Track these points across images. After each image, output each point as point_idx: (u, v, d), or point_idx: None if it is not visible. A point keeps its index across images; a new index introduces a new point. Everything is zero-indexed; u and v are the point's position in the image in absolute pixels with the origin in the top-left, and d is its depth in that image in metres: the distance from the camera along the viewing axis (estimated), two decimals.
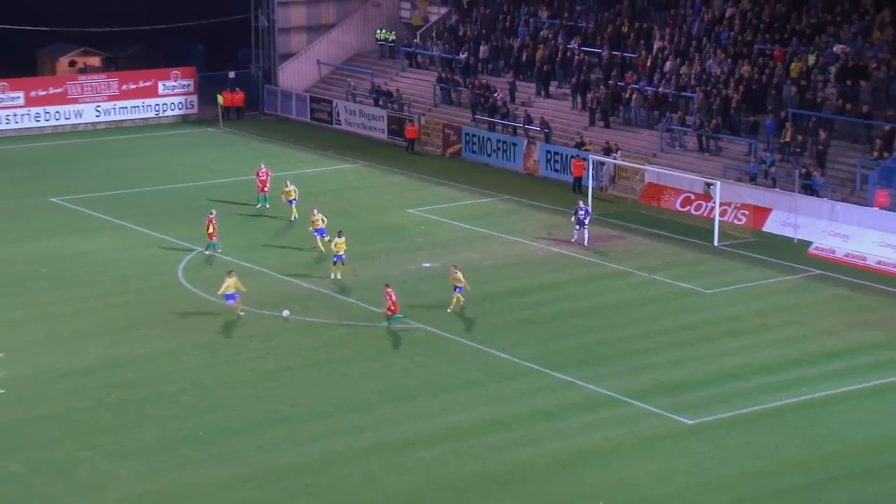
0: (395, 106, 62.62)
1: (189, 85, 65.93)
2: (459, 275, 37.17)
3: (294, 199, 46.85)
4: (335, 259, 39.98)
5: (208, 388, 32.03)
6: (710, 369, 33.25)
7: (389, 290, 35.79)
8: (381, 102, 63.36)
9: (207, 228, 42.29)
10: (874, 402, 31.25)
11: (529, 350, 34.62)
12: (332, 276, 39.66)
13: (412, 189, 52.90)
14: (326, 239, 42.13)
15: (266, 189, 48.58)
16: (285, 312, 36.54)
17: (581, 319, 37.10)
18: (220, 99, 65.00)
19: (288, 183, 47.31)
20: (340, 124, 64.19)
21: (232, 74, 67.25)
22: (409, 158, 58.20)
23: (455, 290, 37.34)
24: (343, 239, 39.98)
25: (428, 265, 42.34)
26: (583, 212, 43.76)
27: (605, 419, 30.30)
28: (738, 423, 30.09)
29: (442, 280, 40.54)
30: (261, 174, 48.85)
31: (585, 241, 43.55)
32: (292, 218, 46.43)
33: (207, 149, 59.79)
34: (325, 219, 42.67)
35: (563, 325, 36.70)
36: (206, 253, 42.18)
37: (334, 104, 64.72)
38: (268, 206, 48.22)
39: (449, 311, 37.01)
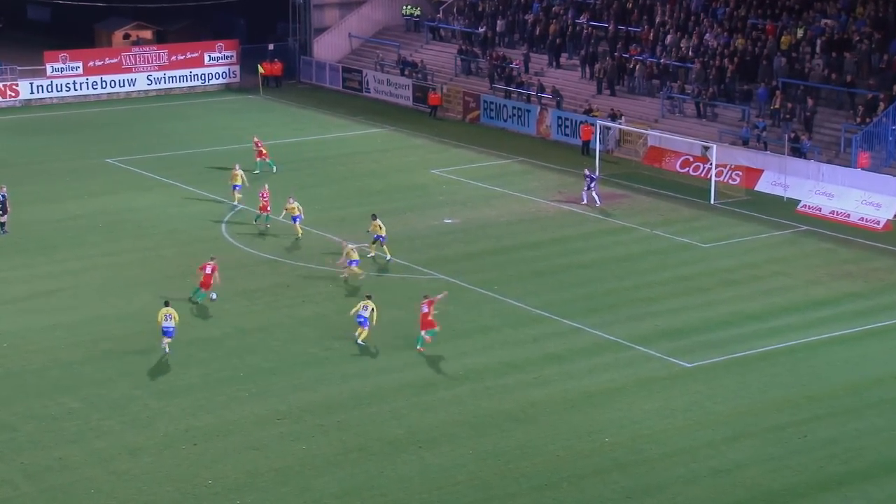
0: (420, 75, 62.06)
1: (232, 56, 65.48)
2: (352, 247, 34.38)
3: (239, 185, 42.13)
4: (376, 238, 36.46)
5: (249, 333, 31.82)
6: (706, 317, 32.92)
7: (428, 301, 30.54)
8: (406, 72, 62.80)
9: (260, 201, 39.48)
10: (855, 347, 30.91)
11: (541, 298, 34.33)
12: (372, 255, 36.23)
13: (435, 151, 52.46)
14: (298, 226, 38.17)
15: (265, 154, 46.70)
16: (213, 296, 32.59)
17: (588, 271, 36.81)
18: (260, 69, 64.55)
19: (237, 167, 43.15)
20: (370, 92, 63.69)
21: (271, 46, 66.78)
22: (431, 123, 57.75)
23: (350, 263, 34.48)
24: (378, 221, 36.53)
25: (449, 221, 42.04)
26: (589, 178, 43.10)
27: (610, 362, 30.05)
28: (732, 365, 29.80)
29: (462, 234, 40.30)
30: (259, 145, 47.31)
31: (597, 202, 42.81)
32: (235, 203, 42.22)
33: (249, 114, 59.43)
34: (300, 207, 38.82)
35: (572, 275, 36.40)
36: (260, 225, 39.29)
37: (364, 74, 64.20)
38: (274, 169, 46.41)
39: (343, 276, 34.03)
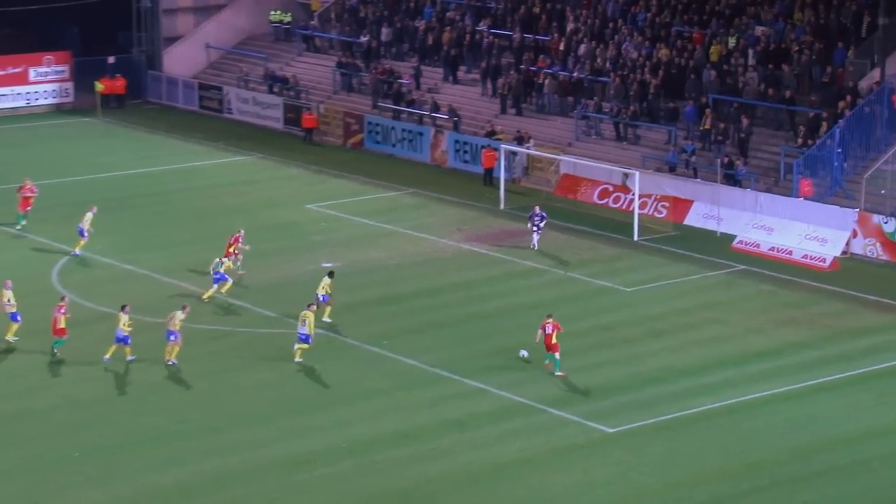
0: (292, 93, 62.02)
1: (64, 71, 64.67)
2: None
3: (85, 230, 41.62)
4: (322, 299, 36.25)
5: (83, 404, 31.34)
6: (631, 372, 33.33)
7: (554, 324, 32.69)
8: (275, 89, 62.71)
9: (229, 247, 39.49)
10: (801, 405, 31.53)
11: (439, 355, 34.40)
12: (325, 319, 35.92)
13: (311, 183, 52.43)
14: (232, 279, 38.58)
15: (28, 209, 44.05)
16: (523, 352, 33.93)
17: (494, 321, 37.01)
18: (98, 86, 63.85)
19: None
20: (232, 113, 63.45)
21: (111, 59, 66.03)
22: (307, 149, 57.69)
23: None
24: (331, 280, 36.53)
25: (329, 265, 41.95)
26: (538, 217, 42.96)
27: (520, 428, 30.19)
28: (661, 429, 30.16)
29: (344, 280, 40.20)
30: (25, 191, 44.47)
31: (534, 245, 42.82)
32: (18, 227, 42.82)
33: (85, 140, 58.76)
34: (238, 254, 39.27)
35: (475, 327, 36.58)
36: (240, 273, 39.41)
37: (225, 91, 63.95)
38: (18, 227, 43.77)
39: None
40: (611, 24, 56.08)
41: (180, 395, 31.95)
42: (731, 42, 52.15)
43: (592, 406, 31.30)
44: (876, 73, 47.57)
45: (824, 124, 46.59)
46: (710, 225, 45.90)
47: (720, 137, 48.85)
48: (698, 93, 50.95)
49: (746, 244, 43.99)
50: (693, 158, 48.83)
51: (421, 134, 55.90)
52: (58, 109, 64.39)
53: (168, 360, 33.46)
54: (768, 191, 46.29)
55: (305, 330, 33.64)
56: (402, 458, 28.73)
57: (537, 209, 43.74)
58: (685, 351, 34.71)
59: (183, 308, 34.05)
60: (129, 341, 33.57)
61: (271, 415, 30.79)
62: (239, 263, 39.36)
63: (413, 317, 37.20)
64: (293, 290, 39.10)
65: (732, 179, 47.10)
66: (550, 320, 33.19)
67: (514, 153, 51.62)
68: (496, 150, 51.01)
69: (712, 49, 52.16)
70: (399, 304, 38.21)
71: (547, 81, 55.16)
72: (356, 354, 34.64)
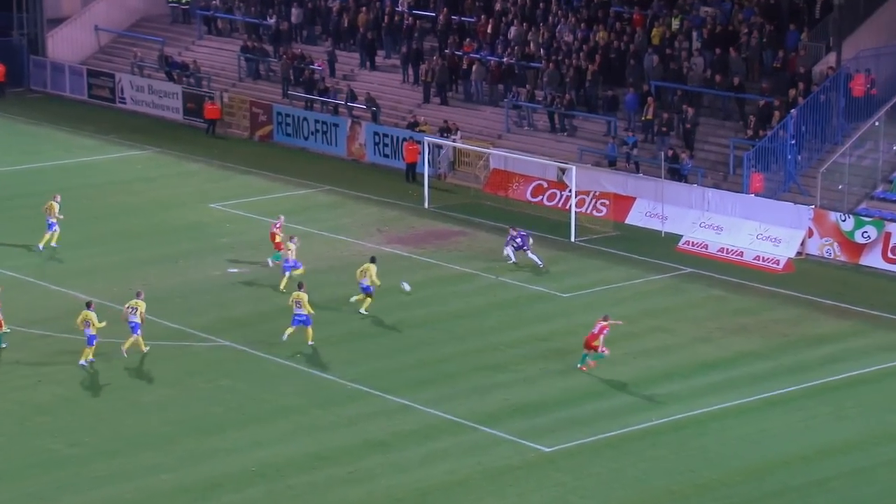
0: (192, 81, 61.77)
1: None
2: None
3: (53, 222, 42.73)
4: (363, 288, 37.68)
5: None
6: (569, 386, 33.59)
7: (604, 326, 34.32)
8: (174, 76, 62.42)
9: (275, 237, 41.37)
10: (753, 421, 31.90)
11: (358, 369, 34.48)
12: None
13: (214, 180, 52.29)
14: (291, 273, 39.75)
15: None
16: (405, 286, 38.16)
17: (419, 331, 37.14)
18: None
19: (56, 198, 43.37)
20: (125, 103, 63.07)
21: None
22: (209, 143, 57.48)
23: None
24: (375, 267, 37.80)
25: (235, 271, 41.84)
26: (520, 239, 42.05)
27: (448, 449, 30.33)
28: (602, 448, 30.41)
29: (253, 288, 40.08)
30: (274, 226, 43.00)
31: (540, 264, 41.73)
32: (39, 246, 42.89)
33: None
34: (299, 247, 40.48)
35: (397, 338, 36.68)
36: (270, 263, 41.11)
37: (117, 79, 63.55)
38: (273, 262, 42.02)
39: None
40: (542, 5, 56.44)
41: (72, 415, 31.73)
42: (675, 24, 52.72)
43: (527, 423, 31.46)
44: (831, 58, 48.24)
45: (776, 114, 47.18)
46: (654, 224, 46.33)
47: (664, 128, 49.34)
48: (639, 80, 51.41)
49: (693, 245, 44.46)
50: (634, 151, 49.28)
51: (336, 125, 55.90)
52: None
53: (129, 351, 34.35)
54: (716, 186, 46.81)
55: (303, 312, 35.26)
56: (319, 482, 28.72)
57: (513, 231, 42.28)
58: (627, 362, 34.99)
59: (138, 294, 35.14)
60: (94, 342, 34.10)
61: (173, 436, 30.69)
62: (291, 251, 40.12)
63: (329, 327, 37.13)
64: (196, 298, 38.99)
65: (678, 174, 47.60)
66: (604, 322, 34.14)
67: (439, 147, 51.79)
68: (419, 143, 51.11)
69: (654, 32, 52.70)
70: (313, 313, 38.22)
71: (474, 68, 55.40)
72: (267, 368, 34.60)
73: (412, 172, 51.71)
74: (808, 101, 46.74)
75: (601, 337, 34.16)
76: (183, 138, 57.91)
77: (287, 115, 57.37)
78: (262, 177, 52.48)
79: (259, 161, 54.40)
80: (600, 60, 52.45)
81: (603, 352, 34.11)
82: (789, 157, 46.26)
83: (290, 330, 35.70)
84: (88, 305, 34.62)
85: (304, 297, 35.72)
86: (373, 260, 38.62)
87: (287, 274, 39.85)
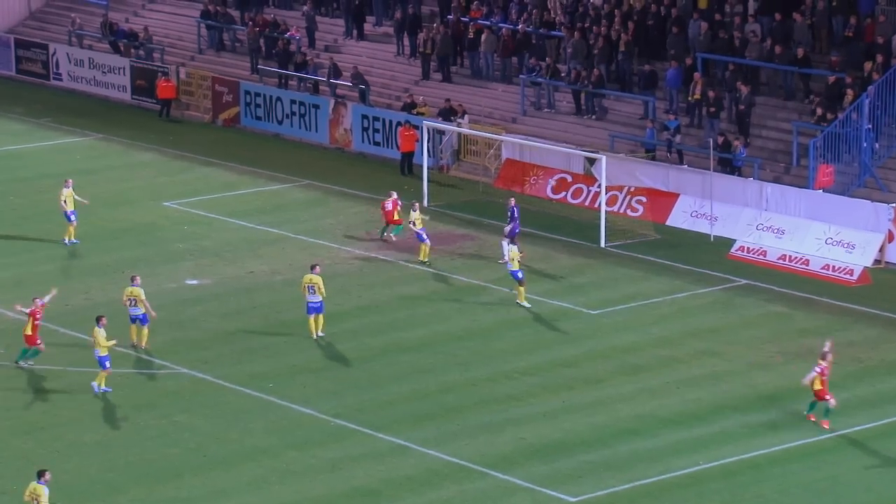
0: (142, 53, 61.73)
1: None
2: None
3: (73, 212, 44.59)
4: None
5: None
6: (599, 423, 33.47)
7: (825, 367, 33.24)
8: (120, 48, 62.39)
9: (393, 215, 44.57)
10: (823, 464, 31.81)
11: (343, 401, 34.38)
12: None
13: (169, 172, 52.27)
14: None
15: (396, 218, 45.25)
16: None
17: (417, 356, 37.03)
18: None
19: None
20: (62, 79, 63.09)
21: None
22: (163, 128, 57.44)
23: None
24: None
25: (195, 283, 41.79)
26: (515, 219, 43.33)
27: (452, 499, 30.22)
28: (639, 498, 30.30)
29: (215, 302, 40.04)
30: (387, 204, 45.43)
31: (503, 258, 42.17)
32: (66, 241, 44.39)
33: None
34: (425, 218, 44.07)
35: (391, 364, 36.56)
36: (393, 237, 44.83)
37: (52, 51, 63.55)
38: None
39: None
40: None
41: None
42: None
43: (548, 468, 31.36)
44: None
45: (849, 93, 47.10)
46: (701, 226, 46.25)
47: (712, 110, 49.24)
48: (683, 51, 51.30)
49: (749, 251, 44.37)
50: (677, 138, 49.19)
51: (316, 107, 55.83)
52: None
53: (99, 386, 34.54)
54: (777, 181, 46.73)
55: (318, 298, 37.18)
56: None
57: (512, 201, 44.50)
58: (669, 394, 34.90)
59: (132, 280, 36.32)
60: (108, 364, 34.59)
61: (119, 484, 30.59)
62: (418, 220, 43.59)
63: (307, 351, 37.10)
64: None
65: (729, 166, 47.49)
66: (824, 363, 33.12)
67: (441, 133, 51.68)
68: (417, 128, 51.01)
69: None
70: (289, 335, 38.14)
71: (483, 37, 55.31)
72: (233, 401, 34.50)
73: (408, 164, 51.66)
74: (887, 77, 46.65)
75: (823, 380, 33.04)
76: (131, 122, 57.89)
77: (257, 95, 57.29)
78: (227, 169, 52.40)
79: (223, 150, 54.36)
80: (635, 28, 52.35)
81: (830, 402, 33.17)
82: (864, 144, 46.15)
83: (313, 323, 37.66)
84: (98, 321, 35.06)
85: (320, 280, 37.32)
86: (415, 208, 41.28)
87: (426, 243, 43.00)
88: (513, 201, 44.55)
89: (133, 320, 36.96)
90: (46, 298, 36.43)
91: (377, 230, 45.60)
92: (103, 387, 34.58)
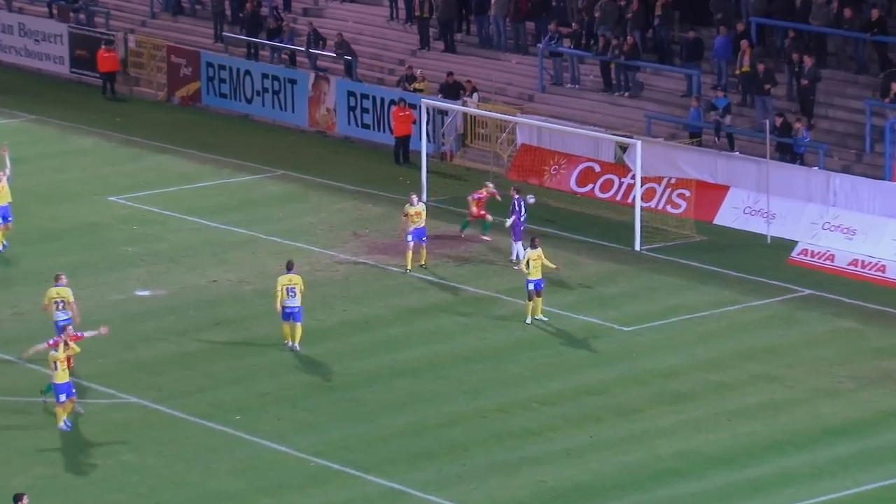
0: (83, 17, 61.79)
1: None
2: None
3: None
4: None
5: None
6: (633, 462, 33.43)
7: None
8: (57, 13, 62.41)
9: (480, 209, 45.07)
10: None
11: (326, 437, 34.38)
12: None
13: (115, 161, 52.44)
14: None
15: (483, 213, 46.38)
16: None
17: (413, 381, 37.05)
18: None
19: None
20: None
21: None
22: (108, 107, 57.61)
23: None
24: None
25: (146, 294, 41.75)
26: (518, 206, 43.50)
27: None
28: None
29: (170, 317, 40.02)
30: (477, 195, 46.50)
31: (513, 255, 43.43)
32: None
33: None
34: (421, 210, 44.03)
35: (382, 391, 36.57)
36: (487, 239, 45.49)
37: None
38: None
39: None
40: None
41: None
42: None
43: None
44: None
45: None
46: (756, 225, 46.32)
47: (768, 86, 49.25)
48: (733, 16, 51.34)
49: (813, 255, 44.37)
50: (727, 120, 49.19)
51: (293, 82, 55.87)
52: None
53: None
54: (846, 170, 46.73)
55: (297, 302, 37.87)
56: None
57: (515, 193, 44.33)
58: (718, 428, 34.88)
59: (57, 279, 36.22)
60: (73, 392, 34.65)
61: None
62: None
63: (282, 376, 37.16)
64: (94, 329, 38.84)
65: (790, 152, 47.49)
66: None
67: (444, 113, 51.68)
68: (414, 107, 51.07)
69: None
70: (259, 356, 38.19)
71: None
72: (192, 436, 34.48)
73: (404, 150, 51.75)
74: None
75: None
76: (70, 101, 58.16)
77: (222, 68, 57.40)
78: (186, 157, 52.55)
79: (181, 134, 54.57)
80: None
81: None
82: None
83: (289, 331, 38.14)
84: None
85: (300, 280, 38.02)
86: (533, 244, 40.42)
87: (413, 244, 43.26)
88: (515, 192, 44.25)
89: (60, 328, 36.25)
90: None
91: (367, 230, 45.52)
92: (67, 420, 34.51)
